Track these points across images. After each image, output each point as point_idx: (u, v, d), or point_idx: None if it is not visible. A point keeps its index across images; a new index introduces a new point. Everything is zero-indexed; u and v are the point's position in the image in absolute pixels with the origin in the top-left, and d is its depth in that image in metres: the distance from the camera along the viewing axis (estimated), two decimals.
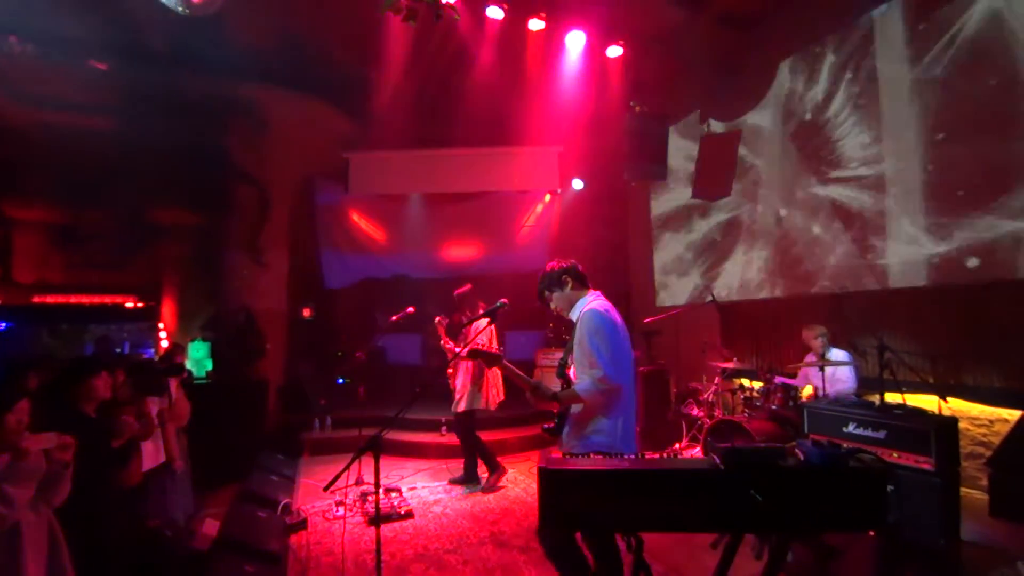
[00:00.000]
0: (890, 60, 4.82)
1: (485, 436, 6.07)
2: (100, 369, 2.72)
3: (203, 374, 6.57)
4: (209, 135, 6.89)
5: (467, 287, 4.92)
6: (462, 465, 5.01)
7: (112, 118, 6.72)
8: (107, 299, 7.52)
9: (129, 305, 7.47)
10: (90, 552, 2.49)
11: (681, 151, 7.12)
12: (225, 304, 7.00)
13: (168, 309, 7.76)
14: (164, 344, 7.07)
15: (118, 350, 7.16)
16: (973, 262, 4.23)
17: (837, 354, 4.24)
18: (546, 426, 2.48)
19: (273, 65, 6.52)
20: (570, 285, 2.57)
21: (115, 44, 5.81)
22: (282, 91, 6.95)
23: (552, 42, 5.92)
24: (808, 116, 5.60)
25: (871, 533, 1.75)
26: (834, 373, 4.21)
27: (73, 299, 7.48)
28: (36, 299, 7.25)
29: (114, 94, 6.52)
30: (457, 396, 4.80)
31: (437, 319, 4.93)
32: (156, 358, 6.49)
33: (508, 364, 2.54)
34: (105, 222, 7.47)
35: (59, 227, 7.52)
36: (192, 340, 6.96)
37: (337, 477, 2.54)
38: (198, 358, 6.78)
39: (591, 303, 2.49)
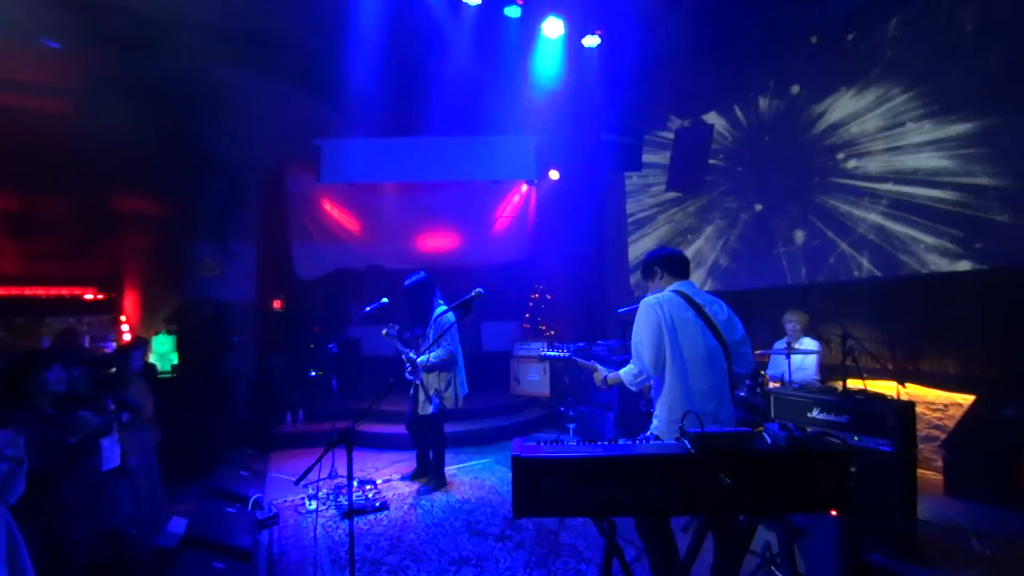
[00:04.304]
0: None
1: (462, 427, 6.10)
2: (51, 362, 2.60)
3: (168, 368, 6.36)
4: (173, 120, 6.62)
5: (420, 275, 4.55)
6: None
7: (68, 100, 6.39)
8: (65, 291, 7.20)
9: (89, 297, 7.17)
10: (50, 551, 2.40)
11: (657, 143, 7.18)
12: (191, 296, 6.78)
13: (130, 301, 7.47)
14: (127, 337, 6.82)
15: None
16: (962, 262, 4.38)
17: (808, 343, 4.43)
18: (644, 410, 2.77)
19: (241, 48, 6.29)
20: (659, 275, 2.55)
21: (70, 21, 5.51)
22: (250, 75, 6.71)
23: (529, 30, 5.87)
24: (784, 110, 5.70)
25: (834, 513, 1.80)
26: (802, 361, 4.37)
27: (28, 291, 7.13)
28: None
29: (70, 75, 6.19)
30: (423, 398, 4.52)
31: (384, 332, 4.60)
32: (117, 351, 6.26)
33: (576, 359, 3.14)
34: (62, 210, 7.12)
35: (12, 215, 7.13)
36: (156, 333, 6.72)
37: (308, 470, 2.50)
38: (163, 352, 6.55)
39: (656, 294, 2.47)
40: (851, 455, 1.75)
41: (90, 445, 2.86)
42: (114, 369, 3.67)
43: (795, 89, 5.53)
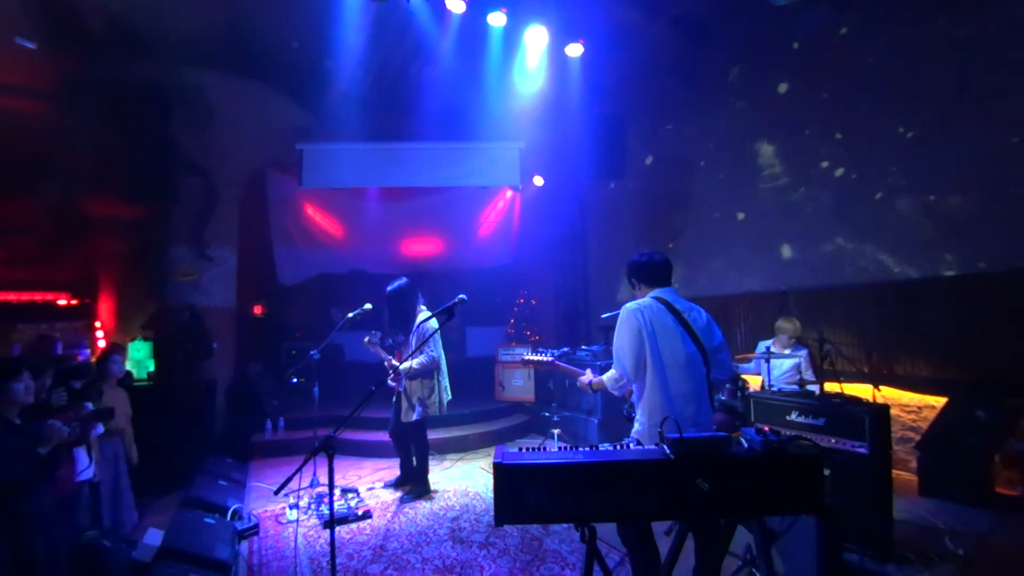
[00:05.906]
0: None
1: (447, 433, 6.07)
2: (19, 371, 2.53)
3: (144, 376, 6.22)
4: (150, 122, 6.50)
5: (402, 281, 4.56)
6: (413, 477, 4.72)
7: (42, 101, 6.24)
8: (37, 296, 7.00)
9: (62, 302, 6.98)
10: (20, 564, 2.33)
11: (639, 151, 7.27)
12: (168, 301, 6.65)
13: (106, 307, 7.30)
14: (101, 344, 6.65)
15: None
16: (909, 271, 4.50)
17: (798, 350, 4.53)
18: (626, 415, 2.71)
19: (221, 50, 6.22)
20: (640, 283, 2.60)
21: (46, 21, 5.40)
22: (231, 77, 6.64)
23: (513, 37, 5.90)
24: (762, 117, 5.81)
25: (810, 515, 1.83)
26: (800, 363, 4.47)
27: None
28: None
29: (45, 75, 6.05)
30: (406, 404, 4.49)
31: (367, 339, 4.55)
32: (92, 360, 6.11)
33: (559, 364, 3.07)
34: (35, 213, 6.93)
35: None
36: (132, 339, 6.57)
37: (289, 479, 2.47)
38: (139, 359, 6.41)
39: (638, 300, 2.51)
40: (824, 458, 1.79)
41: (60, 455, 2.78)
42: (87, 379, 3.59)
43: (783, 87, 5.61)
